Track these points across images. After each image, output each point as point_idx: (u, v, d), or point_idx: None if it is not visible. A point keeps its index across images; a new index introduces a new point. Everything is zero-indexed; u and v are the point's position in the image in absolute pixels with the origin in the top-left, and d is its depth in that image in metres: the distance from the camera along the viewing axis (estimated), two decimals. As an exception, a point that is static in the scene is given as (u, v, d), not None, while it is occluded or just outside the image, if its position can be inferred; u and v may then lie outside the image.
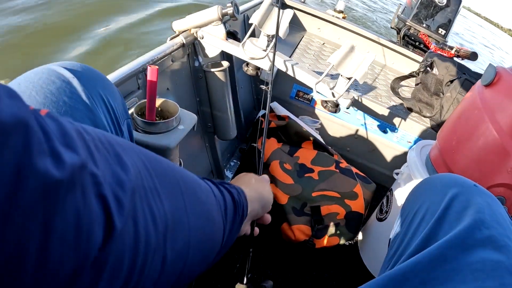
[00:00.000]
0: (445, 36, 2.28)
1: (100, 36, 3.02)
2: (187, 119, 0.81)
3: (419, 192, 0.63)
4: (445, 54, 1.78)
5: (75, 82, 0.47)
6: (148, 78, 0.70)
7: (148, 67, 0.69)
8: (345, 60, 1.02)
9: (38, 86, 0.44)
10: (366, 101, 1.59)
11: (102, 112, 0.49)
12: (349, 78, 1.03)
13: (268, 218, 0.64)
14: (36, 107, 0.36)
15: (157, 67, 0.69)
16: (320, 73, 1.11)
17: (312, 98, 1.70)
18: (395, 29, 2.53)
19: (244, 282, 0.61)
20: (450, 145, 1.00)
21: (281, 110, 1.61)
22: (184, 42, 1.10)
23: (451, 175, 0.60)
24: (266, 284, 0.63)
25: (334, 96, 1.07)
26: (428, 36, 2.25)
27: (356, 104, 1.60)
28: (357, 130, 1.69)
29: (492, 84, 0.94)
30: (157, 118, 0.77)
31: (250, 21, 1.08)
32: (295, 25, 2.17)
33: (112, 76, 0.81)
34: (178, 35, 1.12)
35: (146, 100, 0.75)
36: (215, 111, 1.26)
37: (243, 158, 1.56)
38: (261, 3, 1.45)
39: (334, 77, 1.12)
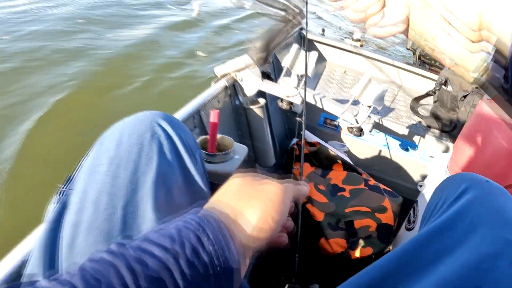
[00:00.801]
0: None
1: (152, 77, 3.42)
2: (240, 150, 1.01)
3: (438, 190, 0.70)
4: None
5: (166, 126, 0.63)
6: (211, 120, 0.90)
7: (211, 111, 0.90)
8: (364, 91, 1.21)
9: (141, 128, 0.60)
10: (387, 122, 1.77)
11: (182, 145, 0.65)
12: (369, 106, 1.22)
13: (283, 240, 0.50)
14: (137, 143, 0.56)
15: (218, 111, 0.90)
16: (344, 101, 1.30)
17: (338, 124, 1.89)
18: (411, 50, 2.70)
19: (293, 282, 0.70)
20: (464, 155, 1.16)
21: (312, 137, 1.80)
22: (227, 84, 1.32)
23: (466, 173, 0.67)
24: (313, 286, 0.68)
25: (357, 122, 1.26)
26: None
27: (379, 126, 1.77)
28: (381, 150, 1.85)
29: (496, 96, 1.10)
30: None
31: (282, 64, 1.29)
32: (318, 57, 2.38)
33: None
34: (220, 79, 1.34)
35: (205, 136, 0.96)
36: (255, 142, 1.46)
37: None
38: (284, 41, 1.68)
39: (356, 103, 1.31)
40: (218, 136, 1.00)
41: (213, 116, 0.90)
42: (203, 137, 0.99)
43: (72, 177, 0.55)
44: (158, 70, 3.48)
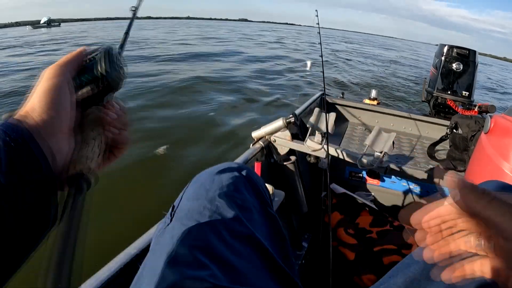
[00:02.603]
0: (469, 96, 2.69)
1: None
2: (278, 194, 1.29)
3: None
4: (470, 113, 2.19)
5: (251, 176, 0.83)
6: (255, 169, 1.20)
7: (255, 163, 1.20)
8: (376, 140, 1.50)
9: (229, 180, 0.76)
10: (407, 169, 2.01)
11: (260, 192, 0.83)
12: (381, 152, 1.49)
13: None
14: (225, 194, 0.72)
15: (260, 162, 1.20)
16: (365, 154, 1.59)
17: (362, 176, 2.15)
18: (426, 101, 2.99)
19: None
20: None
21: (339, 189, 2.06)
22: (263, 145, 1.63)
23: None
24: None
25: (373, 166, 1.53)
26: (454, 101, 2.68)
27: (399, 173, 2.02)
28: (403, 195, 2.09)
29: (490, 131, 1.35)
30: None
31: (308, 125, 1.60)
32: (340, 118, 2.70)
33: None
34: (257, 141, 1.66)
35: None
36: (289, 193, 1.74)
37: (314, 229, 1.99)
38: (308, 106, 2.02)
39: (373, 151, 1.59)
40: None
41: (256, 167, 1.20)
42: None
43: (176, 207, 0.72)
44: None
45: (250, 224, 0.70)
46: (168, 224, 0.67)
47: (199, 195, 0.72)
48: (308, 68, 12.22)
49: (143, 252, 0.85)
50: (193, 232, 0.64)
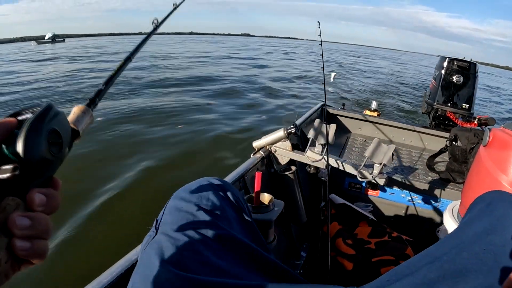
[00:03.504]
0: (469, 109, 2.73)
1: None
2: (278, 204, 1.32)
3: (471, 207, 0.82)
4: (470, 126, 2.22)
5: (224, 188, 0.90)
6: (256, 179, 1.24)
7: (256, 173, 1.23)
8: (375, 152, 1.54)
9: (206, 193, 0.83)
10: (406, 180, 2.05)
11: (235, 201, 0.91)
12: (380, 164, 1.53)
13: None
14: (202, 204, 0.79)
15: (261, 172, 1.23)
16: (365, 166, 1.62)
17: (362, 186, 2.19)
18: (426, 113, 3.03)
19: None
20: (470, 198, 1.39)
21: (339, 200, 2.09)
22: (263, 155, 1.67)
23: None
24: None
25: (373, 178, 1.57)
26: (454, 113, 2.72)
27: (399, 184, 2.06)
28: (403, 206, 2.12)
29: (489, 144, 1.38)
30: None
31: (308, 136, 1.64)
32: (341, 129, 2.74)
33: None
34: (258, 151, 1.70)
35: (250, 194, 1.28)
36: (288, 203, 1.77)
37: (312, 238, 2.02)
38: (309, 116, 2.06)
39: (370, 162, 1.62)
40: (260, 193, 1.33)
41: (257, 177, 1.23)
42: (249, 195, 1.31)
43: (159, 220, 0.77)
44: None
45: (229, 228, 0.77)
46: (153, 237, 0.73)
47: (180, 208, 0.78)
48: (331, 80, 13.01)
49: None
50: (178, 241, 0.70)
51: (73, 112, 0.50)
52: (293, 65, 18.92)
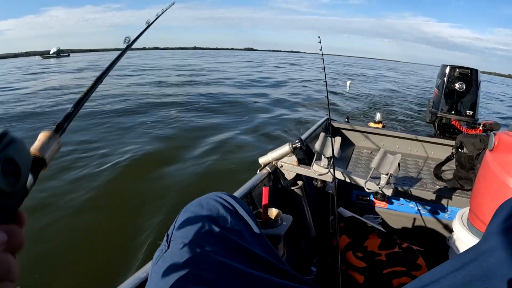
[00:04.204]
0: (474, 115, 2.74)
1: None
2: (286, 218, 1.34)
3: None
4: (475, 132, 2.23)
5: (233, 202, 0.92)
6: (263, 194, 1.26)
7: (263, 188, 1.25)
8: (381, 162, 1.55)
9: (215, 207, 0.86)
10: (415, 191, 2.06)
11: (244, 215, 0.92)
12: (387, 174, 1.55)
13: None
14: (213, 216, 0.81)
15: (268, 187, 1.25)
16: (372, 177, 1.64)
17: (370, 199, 2.20)
18: (431, 122, 3.04)
19: None
20: (479, 205, 1.41)
21: (347, 213, 2.10)
22: (270, 171, 1.69)
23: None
24: None
25: (380, 189, 1.58)
26: (458, 121, 2.73)
27: (407, 195, 2.07)
28: (412, 216, 2.12)
29: (495, 148, 1.39)
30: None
31: (314, 150, 1.66)
32: (346, 142, 2.76)
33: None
34: (264, 167, 1.72)
35: (258, 210, 1.30)
36: (297, 218, 1.78)
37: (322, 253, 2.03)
38: (314, 131, 2.08)
39: (377, 174, 1.64)
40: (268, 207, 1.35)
41: (264, 192, 1.25)
42: (256, 210, 1.33)
43: (170, 235, 0.78)
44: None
45: (241, 241, 0.79)
46: (165, 251, 0.74)
47: (191, 222, 0.80)
48: (347, 89, 14.13)
49: None
50: (192, 253, 0.71)
51: (39, 138, 0.48)
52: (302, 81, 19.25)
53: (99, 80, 0.61)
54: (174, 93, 11.73)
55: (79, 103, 0.55)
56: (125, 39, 0.73)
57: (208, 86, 14.00)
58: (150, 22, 0.89)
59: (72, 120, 0.52)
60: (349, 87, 14.29)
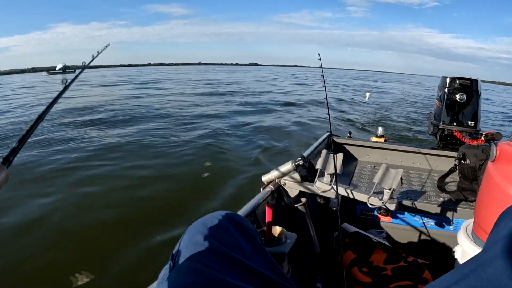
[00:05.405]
0: (475, 126, 2.76)
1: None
2: (290, 236, 1.37)
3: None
4: (477, 143, 2.25)
5: (237, 221, 0.96)
6: (267, 213, 1.29)
7: (266, 207, 1.29)
8: (384, 177, 1.59)
9: (220, 226, 0.92)
10: (419, 204, 2.08)
11: (249, 234, 0.96)
12: (390, 189, 1.58)
13: None
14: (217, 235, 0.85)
15: (271, 205, 1.29)
16: (375, 192, 1.67)
17: (374, 214, 2.22)
18: (433, 135, 3.07)
19: None
20: (483, 216, 1.42)
21: (351, 228, 2.12)
22: (273, 189, 1.72)
23: None
24: None
25: (383, 203, 1.61)
26: (460, 132, 2.76)
27: (411, 208, 2.09)
28: (416, 230, 2.14)
29: (496, 158, 1.41)
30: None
31: (316, 167, 1.69)
32: (349, 157, 2.79)
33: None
34: (267, 185, 1.76)
35: (262, 228, 1.34)
36: (301, 235, 1.81)
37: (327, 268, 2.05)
38: (316, 147, 2.12)
39: (380, 189, 1.66)
40: (271, 226, 1.38)
41: (267, 210, 1.29)
42: (260, 229, 1.37)
43: (176, 255, 0.80)
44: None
45: (247, 260, 0.81)
46: (171, 270, 0.76)
47: (195, 241, 0.82)
48: (366, 99, 15.67)
49: None
50: (199, 271, 0.73)
51: None
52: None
53: (39, 119, 0.65)
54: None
55: (23, 139, 0.59)
56: (62, 81, 0.77)
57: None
58: (86, 64, 0.95)
59: (17, 154, 0.56)
60: (368, 97, 15.92)
